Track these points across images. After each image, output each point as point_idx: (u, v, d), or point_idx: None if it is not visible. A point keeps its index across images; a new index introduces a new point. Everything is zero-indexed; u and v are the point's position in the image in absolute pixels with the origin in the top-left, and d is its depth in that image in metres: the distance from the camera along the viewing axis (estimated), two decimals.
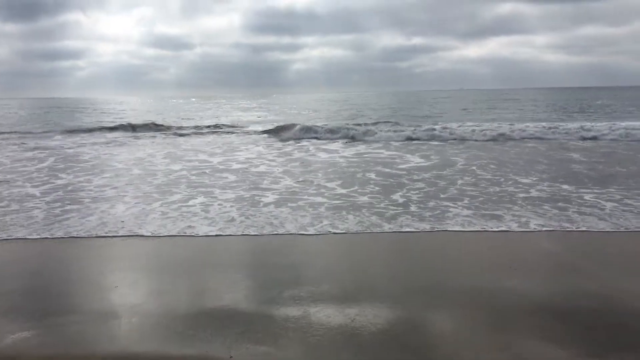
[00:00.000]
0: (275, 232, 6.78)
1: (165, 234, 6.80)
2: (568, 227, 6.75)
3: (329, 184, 10.07)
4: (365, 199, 8.67)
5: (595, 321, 4.02)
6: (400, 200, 8.42)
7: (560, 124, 22.01)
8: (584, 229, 6.68)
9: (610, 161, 12.75)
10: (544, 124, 21.88)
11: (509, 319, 4.11)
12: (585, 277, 4.97)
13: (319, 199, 8.67)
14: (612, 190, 8.90)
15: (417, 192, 9.13)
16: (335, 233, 6.71)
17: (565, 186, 9.36)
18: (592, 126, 19.99)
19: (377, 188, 9.60)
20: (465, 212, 7.62)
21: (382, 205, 8.14)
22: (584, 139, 17.84)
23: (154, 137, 21.56)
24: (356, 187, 9.66)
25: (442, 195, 8.79)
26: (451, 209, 7.77)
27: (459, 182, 10.02)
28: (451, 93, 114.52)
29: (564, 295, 4.58)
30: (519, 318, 4.13)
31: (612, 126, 19.47)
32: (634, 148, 15.48)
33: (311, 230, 6.80)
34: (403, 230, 6.78)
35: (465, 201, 8.30)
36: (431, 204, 8.18)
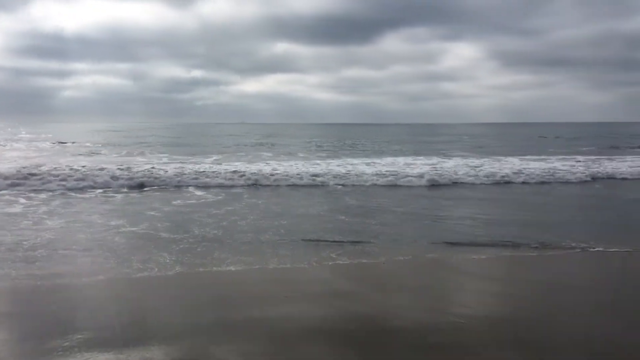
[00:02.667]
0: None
1: None
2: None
3: (112, 222, 9.38)
4: (165, 235, 8.36)
5: (362, 339, 4.50)
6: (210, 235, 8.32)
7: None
8: (364, 260, 7.27)
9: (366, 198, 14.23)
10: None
11: (290, 344, 4.38)
12: (358, 302, 5.52)
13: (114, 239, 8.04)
14: (389, 220, 9.99)
15: (214, 227, 9.04)
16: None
17: (342, 217, 10.20)
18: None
19: (167, 224, 9.27)
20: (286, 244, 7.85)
21: (191, 240, 7.95)
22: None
23: None
24: (146, 225, 9.13)
25: (245, 228, 8.92)
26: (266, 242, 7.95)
27: (251, 216, 10.21)
28: (233, 126, 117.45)
29: (336, 319, 5.02)
30: (297, 343, 4.42)
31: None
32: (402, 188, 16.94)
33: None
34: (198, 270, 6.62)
35: (270, 233, 8.59)
36: (238, 236, 8.29)
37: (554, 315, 5.12)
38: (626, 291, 6.08)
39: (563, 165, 21.11)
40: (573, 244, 7.83)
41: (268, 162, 21.67)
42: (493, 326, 4.82)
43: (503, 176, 17.56)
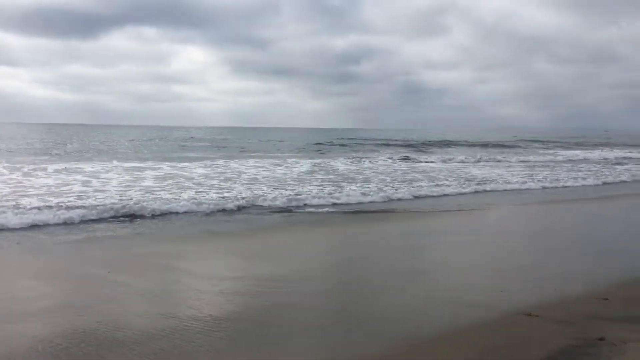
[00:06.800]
0: None
1: None
2: None
3: None
4: None
5: (81, 355, 4.39)
6: None
7: None
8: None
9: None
10: None
11: None
12: (76, 316, 5.33)
13: None
14: None
15: None
16: None
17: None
18: None
19: None
20: None
21: None
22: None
23: None
24: None
25: None
26: None
27: None
28: None
29: (53, 336, 4.77)
30: None
31: None
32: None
33: None
34: None
35: None
36: None
37: (274, 306, 5.70)
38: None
39: None
40: None
41: None
42: (218, 324, 5.11)
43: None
